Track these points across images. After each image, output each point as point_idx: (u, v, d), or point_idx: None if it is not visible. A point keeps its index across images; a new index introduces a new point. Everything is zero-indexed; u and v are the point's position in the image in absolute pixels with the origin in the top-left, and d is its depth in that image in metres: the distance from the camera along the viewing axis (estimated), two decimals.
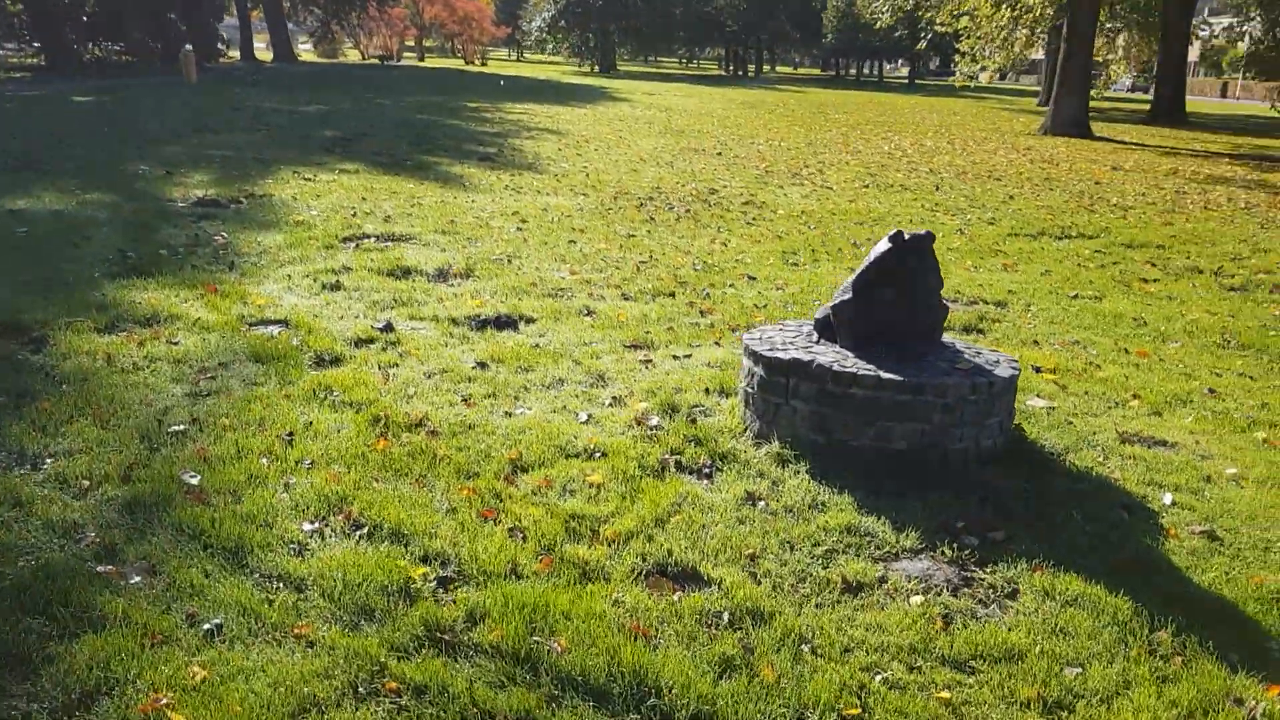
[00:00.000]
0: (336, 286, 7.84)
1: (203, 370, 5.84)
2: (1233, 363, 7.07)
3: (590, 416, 5.43)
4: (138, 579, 3.67)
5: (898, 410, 4.71)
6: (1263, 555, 4.25)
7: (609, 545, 4.11)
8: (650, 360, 6.43)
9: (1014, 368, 5.04)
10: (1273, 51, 48.94)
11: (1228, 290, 9.47)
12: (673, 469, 4.83)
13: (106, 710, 3.01)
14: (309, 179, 13.10)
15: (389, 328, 6.83)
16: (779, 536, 4.19)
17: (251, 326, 6.77)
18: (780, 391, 4.96)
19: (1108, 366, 6.78)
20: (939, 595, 3.84)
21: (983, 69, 38.32)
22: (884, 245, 4.93)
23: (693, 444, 5.07)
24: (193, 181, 12.34)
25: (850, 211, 13.00)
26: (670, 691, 3.21)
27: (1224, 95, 67.93)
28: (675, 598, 3.77)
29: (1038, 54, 51.04)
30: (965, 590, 3.90)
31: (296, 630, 3.42)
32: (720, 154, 19.05)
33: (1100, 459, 5.12)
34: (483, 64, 68.20)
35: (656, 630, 3.55)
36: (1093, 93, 33.66)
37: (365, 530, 4.12)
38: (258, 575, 3.76)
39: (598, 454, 4.95)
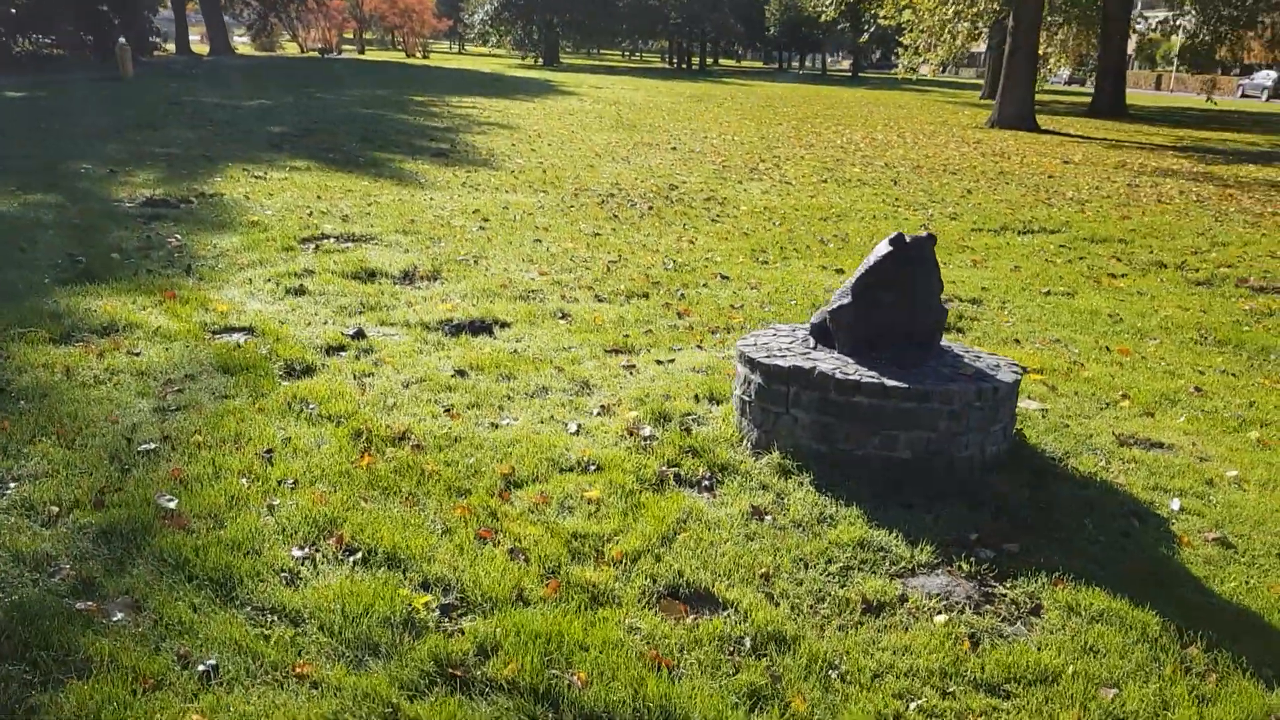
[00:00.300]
0: (301, 291, 7.57)
1: (169, 383, 5.57)
2: (1213, 359, 7.06)
3: (580, 427, 5.24)
4: (121, 616, 3.43)
5: (903, 418, 4.58)
6: (1279, 563, 4.19)
7: (616, 566, 3.94)
8: (633, 366, 6.25)
9: (1015, 372, 4.94)
10: (1205, 45, 49.82)
11: (1194, 285, 9.50)
12: (672, 482, 4.66)
13: None
14: (260, 177, 12.74)
15: (360, 334, 6.59)
16: (791, 553, 4.05)
17: (215, 335, 6.50)
18: (780, 400, 4.81)
19: (1092, 365, 6.72)
20: (962, 613, 3.72)
21: (925, 62, 38.58)
22: (884, 248, 4.80)
23: (690, 455, 4.91)
24: (139, 180, 11.94)
25: (813, 207, 12.92)
26: None
27: (1158, 88, 69.10)
28: (691, 622, 3.61)
29: (978, 47, 51.56)
30: (987, 607, 3.79)
31: (298, 669, 3.21)
32: (675, 149, 18.90)
33: (1102, 464, 5.04)
34: (424, 57, 67.49)
35: (677, 659, 3.38)
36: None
37: (359, 555, 3.91)
38: (249, 608, 3.54)
39: (593, 467, 4.77)
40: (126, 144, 15.11)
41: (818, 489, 4.57)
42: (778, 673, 3.32)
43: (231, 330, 6.61)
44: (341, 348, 6.37)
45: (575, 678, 3.24)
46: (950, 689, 3.30)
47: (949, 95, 48.19)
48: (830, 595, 3.78)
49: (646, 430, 5.19)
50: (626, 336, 6.88)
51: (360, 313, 7.16)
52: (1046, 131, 27.59)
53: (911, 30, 36.77)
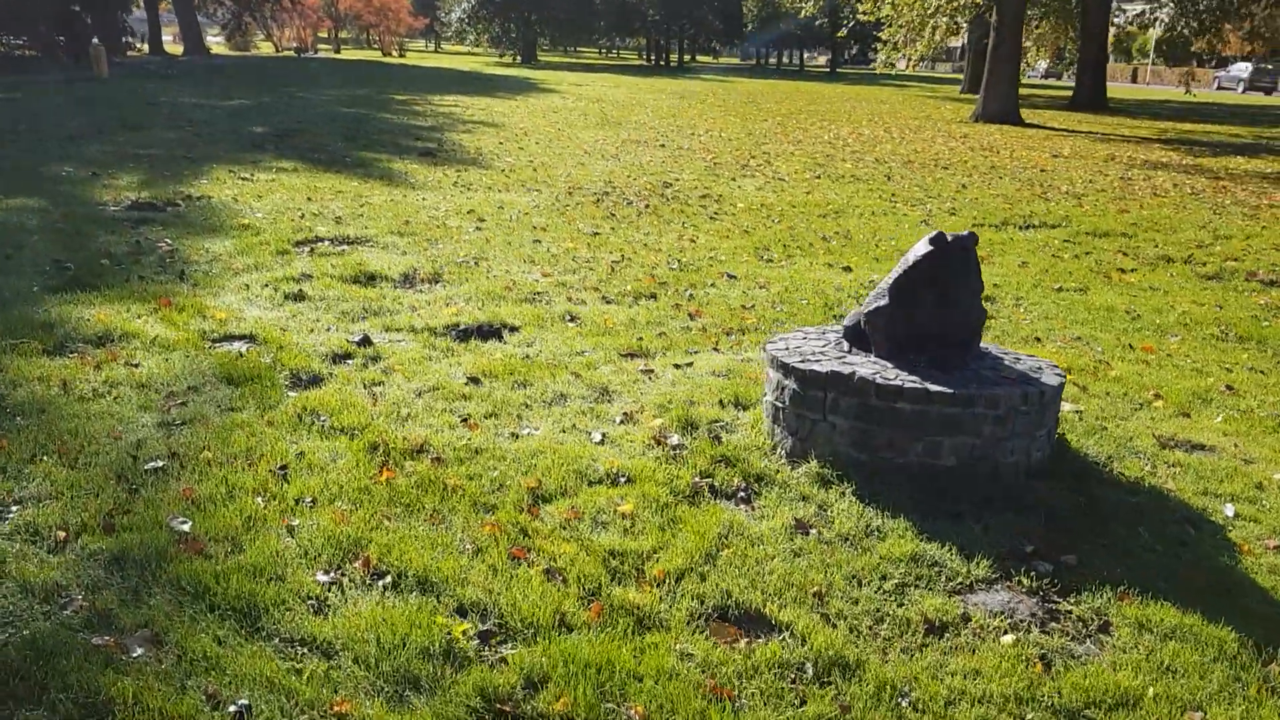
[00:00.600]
0: (300, 296, 7.33)
1: (171, 395, 5.33)
2: (1238, 357, 6.91)
3: (604, 436, 5.04)
4: (141, 651, 3.20)
5: (947, 424, 4.40)
6: None
7: (659, 587, 3.74)
8: (651, 370, 6.05)
9: (1059, 374, 4.76)
10: (1182, 38, 49.99)
11: (1204, 279, 9.38)
12: (707, 494, 4.47)
13: None
14: (246, 178, 12.46)
15: (366, 341, 6.36)
16: (842, 570, 3.86)
17: (215, 343, 6.26)
18: (816, 407, 4.62)
19: (1118, 364, 6.57)
20: (1029, 632, 3.54)
21: (904, 57, 38.55)
22: (924, 248, 4.61)
23: (723, 465, 4.72)
24: (122, 183, 11.63)
25: (809, 204, 12.74)
26: None
27: (1134, 80, 69.41)
28: (744, 646, 3.41)
29: (954, 41, 51.58)
30: (1054, 625, 3.61)
31: (336, 707, 3.00)
32: (664, 146, 18.70)
33: (1148, 468, 4.87)
34: (401, 55, 67.00)
35: (737, 689, 3.18)
36: None
37: (388, 579, 3.69)
38: (278, 640, 3.32)
39: (622, 479, 4.56)
40: (107, 146, 14.78)
41: (860, 499, 4.38)
42: (846, 702, 3.13)
43: (231, 338, 6.37)
44: (348, 355, 6.14)
45: (633, 711, 3.04)
46: (1028, 716, 3.12)
47: (928, 90, 48.17)
48: (889, 615, 3.59)
49: (674, 439, 4.99)
50: (640, 339, 6.67)
51: (363, 318, 6.93)
52: (1031, 125, 27.53)
53: (891, 25, 36.74)
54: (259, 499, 4.23)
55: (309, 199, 11.28)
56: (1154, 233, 11.54)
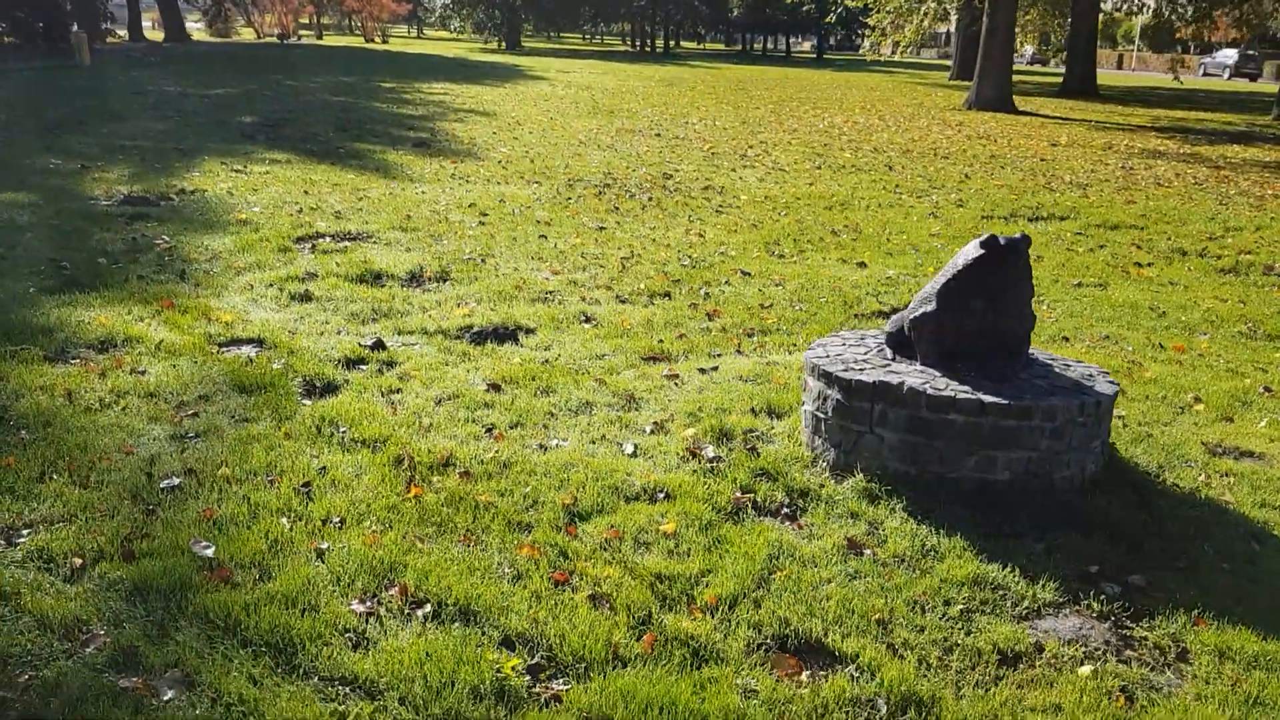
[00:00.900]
0: (306, 297, 7.10)
1: (181, 405, 5.11)
2: (1271, 356, 6.76)
3: (637, 448, 4.84)
4: (173, 694, 3.00)
5: (1002, 437, 4.23)
6: None
7: (711, 614, 3.55)
8: (676, 375, 5.86)
9: (1112, 382, 4.59)
10: (1171, 26, 49.90)
11: (1221, 273, 9.24)
12: (750, 511, 4.28)
13: None
14: (240, 171, 12.19)
15: (379, 345, 6.14)
16: (902, 595, 3.68)
17: (222, 348, 6.03)
18: (863, 418, 4.44)
19: (1150, 365, 6.41)
20: (1105, 663, 3.37)
21: (893, 43, 38.37)
22: (975, 251, 4.42)
23: (764, 479, 4.53)
24: (113, 177, 11.35)
25: (813, 195, 12.55)
26: None
27: (1119, 67, 69.36)
28: (809, 680, 3.23)
29: (940, 27, 51.38)
30: (1129, 653, 3.44)
31: None
32: (659, 135, 18.47)
33: (1201, 479, 4.71)
34: (384, 42, 66.43)
35: None
36: None
37: (428, 609, 3.49)
38: (317, 679, 3.12)
39: (660, 495, 4.37)
40: (93, 136, 14.46)
41: (912, 516, 4.20)
42: None
43: (238, 342, 6.15)
44: (361, 360, 5.93)
45: None
46: None
47: (916, 76, 47.99)
48: (959, 645, 3.41)
49: (709, 451, 4.80)
50: (660, 342, 6.48)
51: (374, 320, 6.71)
52: (1023, 113, 27.39)
53: (879, 10, 36.55)
54: (284, 519, 4.02)
55: (305, 192, 11.03)
56: (1164, 225, 11.40)
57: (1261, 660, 3.38)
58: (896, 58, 42.33)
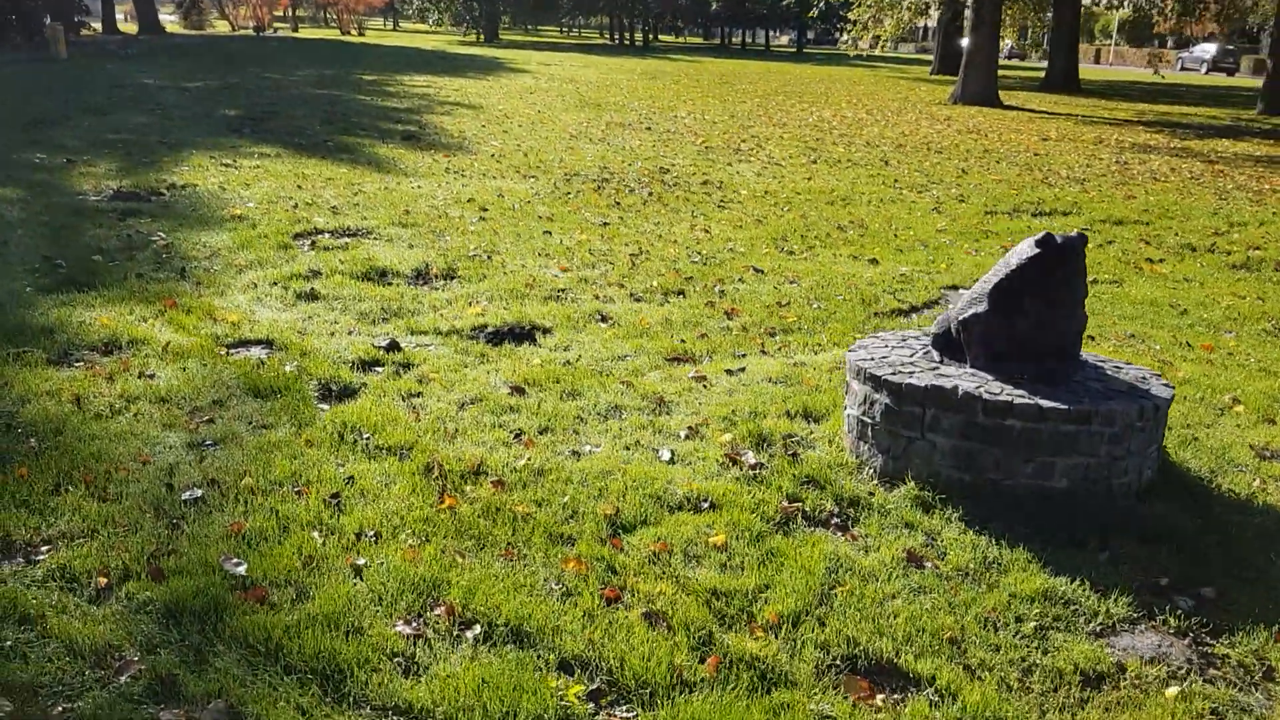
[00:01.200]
0: (313, 296, 6.89)
1: (195, 411, 4.90)
2: None
3: (674, 454, 4.67)
4: None
5: (1061, 443, 4.08)
6: None
7: (773, 633, 3.39)
8: (704, 378, 5.69)
9: (1166, 385, 4.46)
10: (1147, 18, 50.13)
11: (1234, 269, 9.15)
12: (800, 522, 4.12)
13: None
14: (229, 165, 11.92)
15: (394, 346, 5.94)
16: (972, 611, 3.52)
17: (231, 349, 5.82)
18: (914, 424, 4.28)
19: (1181, 364, 6.29)
20: (1191, 683, 3.22)
21: (876, 37, 38.28)
22: (1030, 250, 4.26)
23: (811, 487, 4.37)
24: (100, 171, 11.07)
25: (813, 190, 12.40)
26: None
27: (1097, 61, 69.59)
28: (885, 703, 3.07)
29: (919, 22, 51.35)
30: (1213, 672, 3.29)
31: None
32: (650, 129, 18.27)
33: (1256, 484, 4.58)
34: (360, 34, 65.82)
35: None
36: None
37: (478, 630, 3.31)
38: (369, 709, 2.94)
39: (705, 504, 4.21)
40: (76, 130, 14.13)
41: (969, 526, 4.05)
42: None
43: (247, 344, 5.94)
44: (376, 362, 5.73)
45: None
46: None
47: (897, 71, 47.96)
48: (1038, 666, 3.26)
49: (749, 457, 4.64)
50: (682, 342, 6.31)
51: (385, 320, 6.51)
52: (1009, 107, 27.36)
53: (860, 4, 36.45)
54: (315, 533, 3.83)
55: (299, 187, 10.78)
56: (1169, 220, 11.31)
57: None
58: (877, 52, 42.20)
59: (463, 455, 4.55)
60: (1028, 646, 3.35)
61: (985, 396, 4.11)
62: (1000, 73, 38.40)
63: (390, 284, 7.33)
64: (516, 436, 4.82)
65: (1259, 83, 34.29)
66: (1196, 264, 9.26)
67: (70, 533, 3.74)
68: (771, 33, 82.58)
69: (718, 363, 5.98)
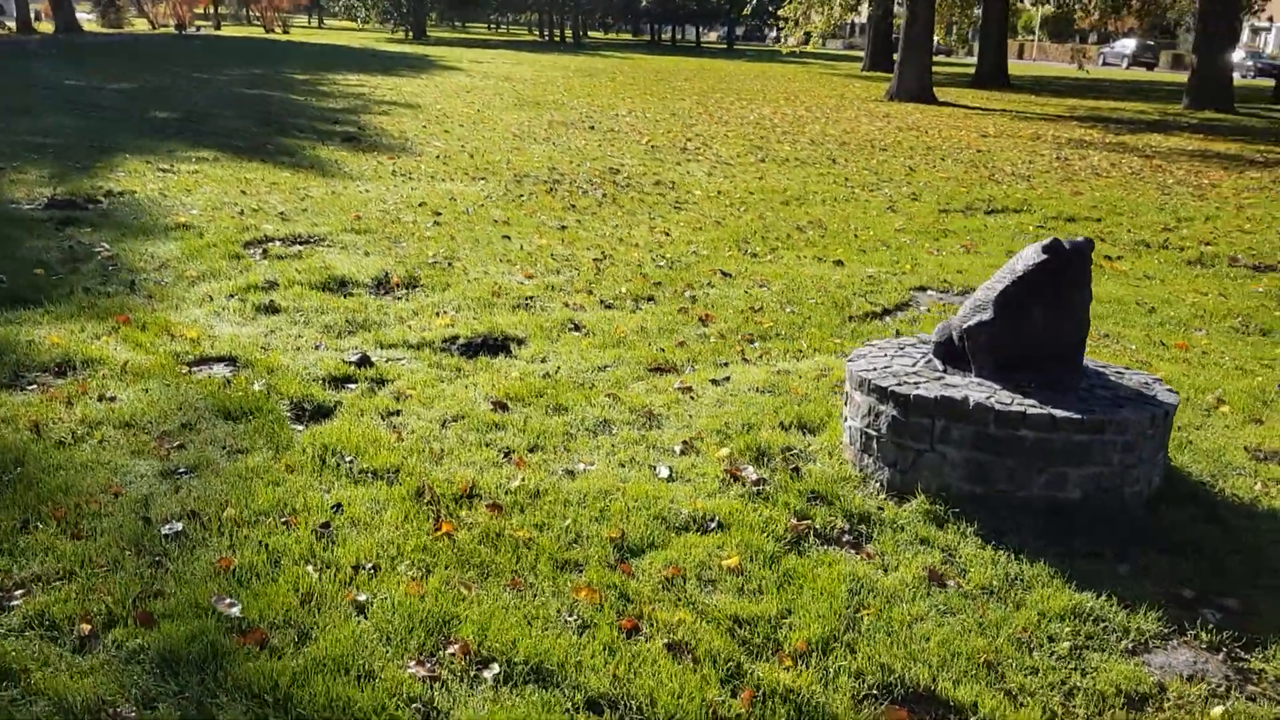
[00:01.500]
0: (273, 308, 6.62)
1: (164, 435, 4.64)
2: (1270, 352, 6.70)
3: (672, 471, 4.52)
4: None
5: (1075, 453, 4.01)
6: None
7: (804, 662, 3.25)
8: (689, 388, 5.54)
9: (1170, 390, 4.41)
10: (1069, 14, 51.01)
11: (1189, 265, 9.23)
12: (812, 540, 3.99)
13: None
14: (167, 170, 11.52)
15: (365, 361, 5.71)
16: (1004, 632, 3.42)
17: (192, 367, 5.55)
18: (923, 436, 4.18)
19: (1158, 364, 6.29)
20: (1233, 701, 3.15)
21: (807, 34, 38.47)
22: (1037, 256, 4.18)
23: (818, 503, 4.25)
24: (32, 178, 10.61)
25: (766, 190, 12.32)
26: None
27: (1020, 57, 70.65)
28: None
29: (849, 18, 51.74)
30: (1252, 688, 3.23)
31: None
32: (593, 128, 18.10)
33: (1258, 488, 4.55)
34: (285, 32, 64.62)
35: None
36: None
37: (497, 670, 3.13)
38: None
39: (712, 524, 4.06)
40: (1, 134, 13.58)
41: (986, 541, 3.95)
42: None
43: (209, 361, 5.67)
44: (348, 379, 5.50)
45: None
46: None
47: (829, 67, 48.25)
48: (1079, 689, 3.16)
49: (750, 472, 4.50)
50: (661, 351, 6.16)
51: (351, 333, 6.27)
52: (944, 103, 27.62)
53: (791, 1, 36.58)
54: (310, 568, 3.62)
55: (243, 192, 10.44)
56: (1118, 216, 11.43)
57: None
58: (810, 48, 42.37)
59: (453, 477, 4.36)
60: (1065, 668, 3.26)
61: (997, 407, 4.02)
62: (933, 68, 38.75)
63: (352, 294, 7.08)
64: (506, 455, 4.64)
65: (1179, 77, 35.10)
66: (1154, 260, 9.33)
67: (45, 575, 3.49)
68: (701, 29, 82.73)
69: (701, 372, 5.85)
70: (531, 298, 7.18)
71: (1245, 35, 54.50)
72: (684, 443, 4.81)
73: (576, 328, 6.57)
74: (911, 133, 19.66)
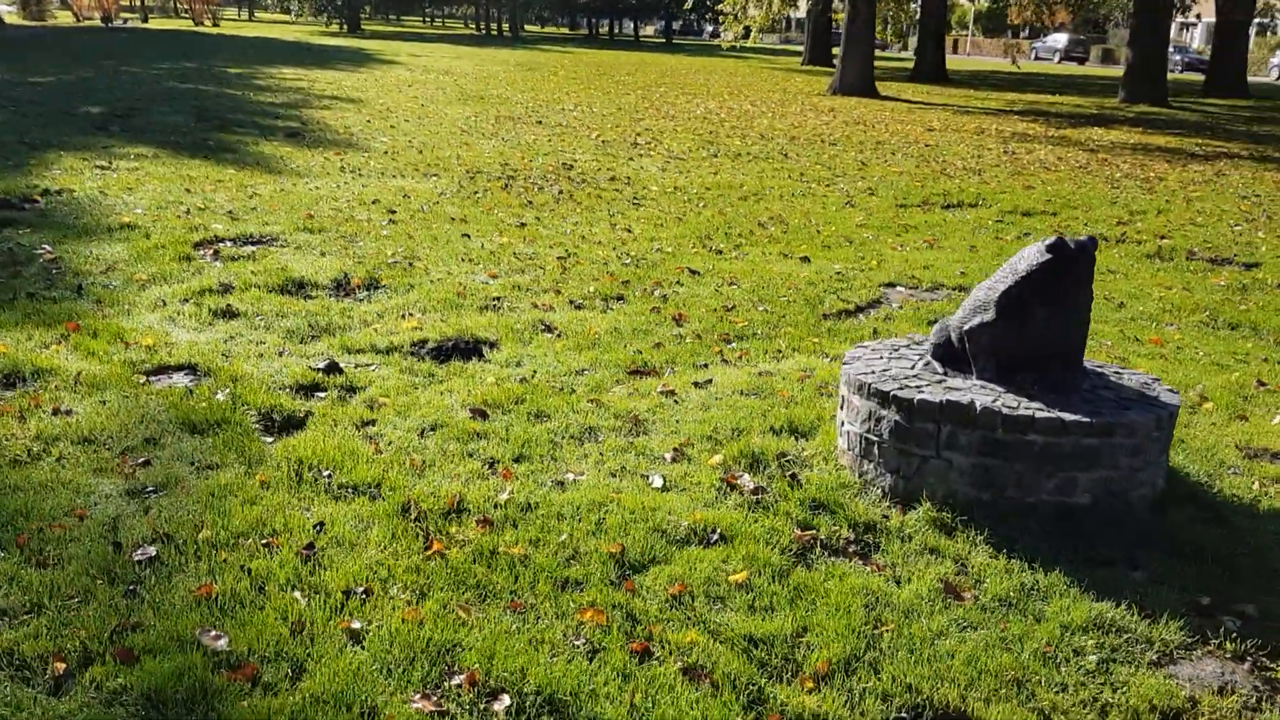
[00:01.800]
0: (230, 313, 6.35)
1: (126, 452, 4.38)
2: (1242, 346, 6.71)
3: (665, 481, 4.36)
4: None
5: (1084, 457, 3.92)
6: None
7: (827, 685, 3.11)
8: (672, 392, 5.39)
9: (1171, 390, 4.34)
10: (1003, 9, 51.63)
11: (1148, 259, 9.27)
12: (819, 552, 3.86)
13: None
14: (105, 167, 11.10)
15: (333, 367, 5.48)
16: (1027, 647, 3.31)
17: (150, 377, 5.28)
18: (927, 441, 4.06)
19: (1136, 360, 6.25)
20: (1266, 714, 3.07)
21: (747, 28, 38.50)
22: (1040, 255, 4.08)
23: (821, 513, 4.11)
24: None
25: (722, 186, 12.20)
26: None
27: (954, 51, 71.43)
28: None
29: (788, 12, 51.92)
30: None
31: None
32: (540, 122, 17.86)
33: (1257, 486, 4.50)
34: (215, 25, 63.29)
35: None
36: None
37: (508, 702, 2.95)
38: None
39: (714, 536, 3.91)
40: None
41: (997, 550, 3.85)
42: None
43: (168, 370, 5.40)
44: (317, 387, 5.26)
45: None
46: None
47: (768, 62, 48.36)
48: (1113, 705, 3.06)
49: (747, 480, 4.36)
50: (638, 353, 6.00)
51: (315, 338, 6.03)
52: (886, 98, 27.75)
53: None
54: (297, 593, 3.40)
55: (187, 190, 10.08)
56: (1073, 210, 11.48)
57: None
58: (749, 43, 42.43)
59: (438, 491, 4.16)
60: (1095, 684, 3.16)
61: (1005, 411, 3.92)
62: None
63: (312, 297, 6.82)
64: (490, 467, 4.45)
65: (1110, 71, 35.62)
66: (1114, 255, 9.35)
67: (10, 609, 3.24)
68: (639, 23, 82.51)
69: (681, 375, 5.69)
70: (499, 298, 6.98)
71: (1174, 30, 55.56)
72: (674, 449, 4.66)
73: (548, 329, 6.38)
74: (858, 127, 19.68)
